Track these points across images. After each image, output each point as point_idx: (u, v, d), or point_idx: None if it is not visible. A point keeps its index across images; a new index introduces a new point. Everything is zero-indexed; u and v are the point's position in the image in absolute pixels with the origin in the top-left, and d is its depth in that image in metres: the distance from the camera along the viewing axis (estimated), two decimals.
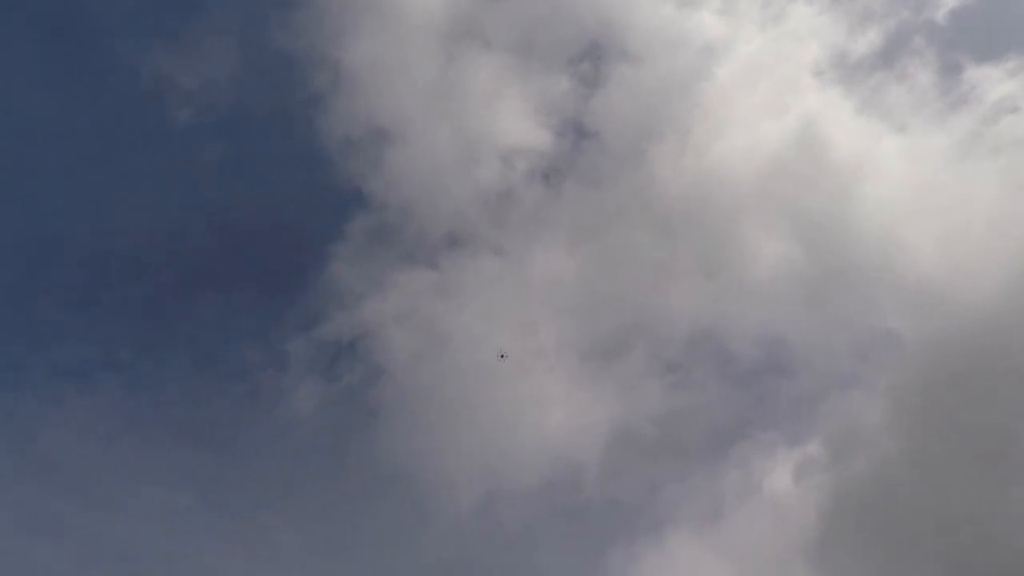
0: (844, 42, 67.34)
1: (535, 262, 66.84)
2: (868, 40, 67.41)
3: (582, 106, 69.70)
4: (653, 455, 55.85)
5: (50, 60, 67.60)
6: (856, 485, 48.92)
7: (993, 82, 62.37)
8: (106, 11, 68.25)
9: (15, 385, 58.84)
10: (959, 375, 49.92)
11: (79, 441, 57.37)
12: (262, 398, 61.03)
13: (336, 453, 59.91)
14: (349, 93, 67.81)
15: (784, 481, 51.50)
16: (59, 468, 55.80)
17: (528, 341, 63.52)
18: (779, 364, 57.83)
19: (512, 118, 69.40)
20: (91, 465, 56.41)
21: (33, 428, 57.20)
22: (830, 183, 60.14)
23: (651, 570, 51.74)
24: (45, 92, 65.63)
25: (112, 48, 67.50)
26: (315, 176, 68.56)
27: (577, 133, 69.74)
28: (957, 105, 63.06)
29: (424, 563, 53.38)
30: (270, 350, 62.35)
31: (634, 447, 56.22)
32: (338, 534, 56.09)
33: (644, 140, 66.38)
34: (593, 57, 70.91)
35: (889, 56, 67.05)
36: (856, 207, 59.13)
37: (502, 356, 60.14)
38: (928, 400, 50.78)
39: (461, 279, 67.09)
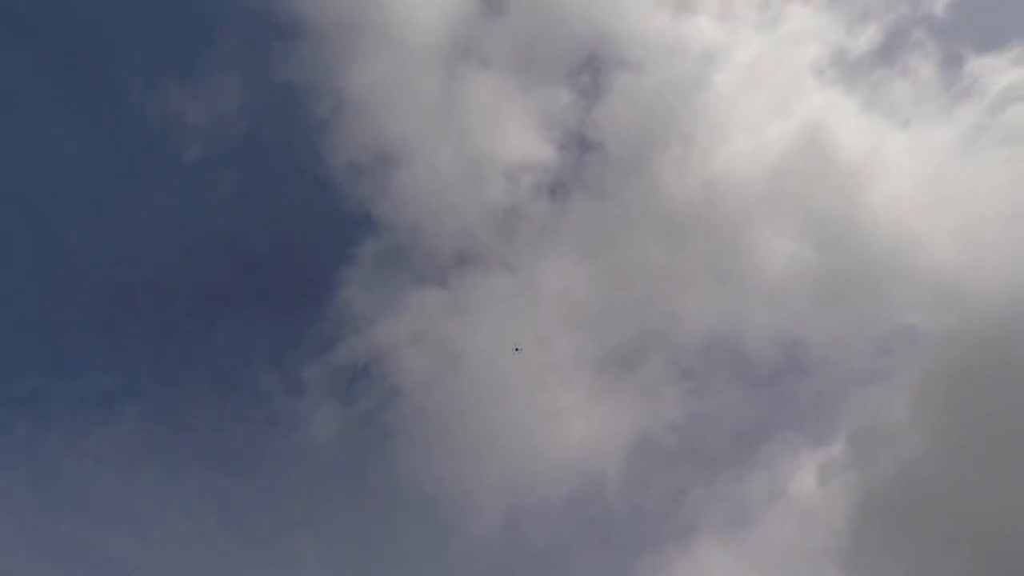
0: (843, 40, 68.37)
1: (546, 276, 67.86)
2: (868, 37, 68.37)
3: (584, 118, 71.02)
4: (675, 462, 56.41)
5: (65, 99, 68.91)
6: (882, 484, 48.85)
7: (997, 72, 63.06)
8: (115, 52, 70.46)
9: (39, 416, 60.49)
10: (981, 367, 49.86)
11: (102, 470, 58.65)
12: (281, 423, 62.26)
13: (356, 475, 60.63)
14: (353, 119, 69.44)
15: (809, 483, 51.75)
16: (83, 497, 56.95)
17: (543, 355, 64.24)
18: (798, 364, 58.34)
19: (515, 134, 70.78)
20: (114, 493, 57.70)
21: (57, 458, 58.57)
22: (838, 181, 60.94)
23: None
24: (59, 129, 67.34)
25: (122, 87, 69.42)
26: (324, 202, 69.92)
27: (580, 145, 70.99)
28: (961, 97, 63.89)
29: None
30: (287, 376, 63.44)
31: (656, 455, 56.79)
32: (361, 556, 56.59)
33: (648, 149, 67.60)
34: (592, 69, 72.23)
35: (890, 52, 68.00)
36: (865, 204, 59.82)
37: (517, 350, 61.18)
38: (951, 394, 50.74)
39: (472, 297, 68.05)
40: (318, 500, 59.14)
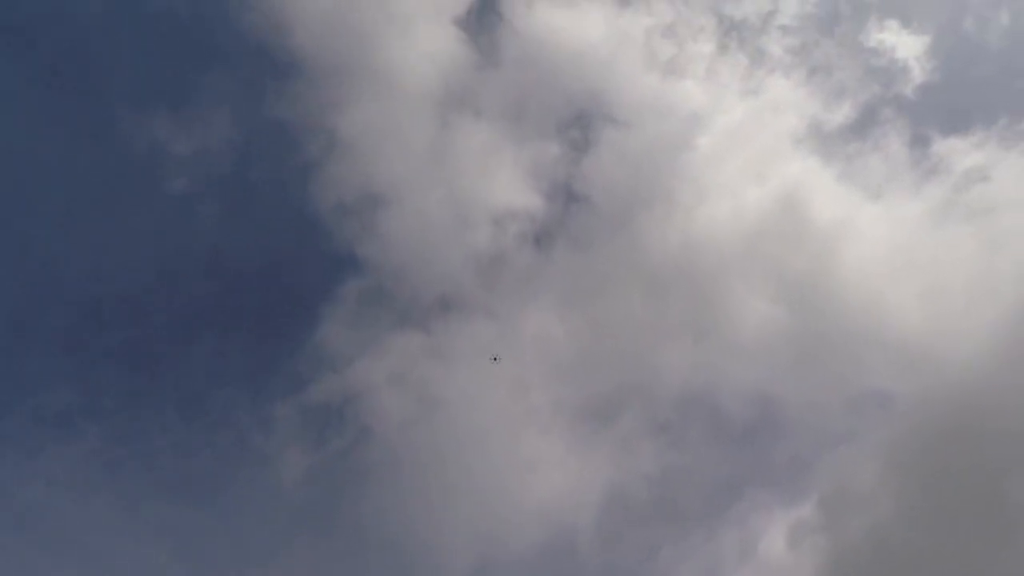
0: (820, 114, 73.53)
1: (526, 325, 69.56)
2: (843, 112, 73.72)
3: (572, 171, 74.45)
4: (649, 517, 57.21)
5: (50, 114, 69.13)
6: (852, 548, 50.54)
7: (960, 154, 68.21)
8: (107, 75, 71.45)
9: None
10: (947, 432, 52.41)
11: (54, 493, 56.91)
12: (249, 456, 61.46)
13: (323, 516, 60.36)
14: (344, 159, 71.75)
15: (779, 544, 52.94)
16: (31, 521, 55.43)
17: (520, 404, 65.58)
18: (771, 423, 60.43)
19: (504, 183, 73.84)
20: (65, 519, 56.26)
21: (10, 478, 56.85)
22: (812, 247, 64.64)
23: None
24: (37, 141, 67.20)
25: (110, 111, 70.17)
26: (309, 240, 71.11)
27: (567, 197, 74.12)
28: (929, 175, 68.61)
29: None
30: (258, 411, 63.22)
31: (629, 509, 57.74)
32: None
33: (632, 204, 71.06)
34: (582, 124, 76.21)
35: (863, 128, 73.04)
36: (838, 270, 63.28)
37: (495, 359, 62.80)
38: (919, 459, 53.10)
39: (453, 342, 69.22)
40: (282, 538, 58.64)
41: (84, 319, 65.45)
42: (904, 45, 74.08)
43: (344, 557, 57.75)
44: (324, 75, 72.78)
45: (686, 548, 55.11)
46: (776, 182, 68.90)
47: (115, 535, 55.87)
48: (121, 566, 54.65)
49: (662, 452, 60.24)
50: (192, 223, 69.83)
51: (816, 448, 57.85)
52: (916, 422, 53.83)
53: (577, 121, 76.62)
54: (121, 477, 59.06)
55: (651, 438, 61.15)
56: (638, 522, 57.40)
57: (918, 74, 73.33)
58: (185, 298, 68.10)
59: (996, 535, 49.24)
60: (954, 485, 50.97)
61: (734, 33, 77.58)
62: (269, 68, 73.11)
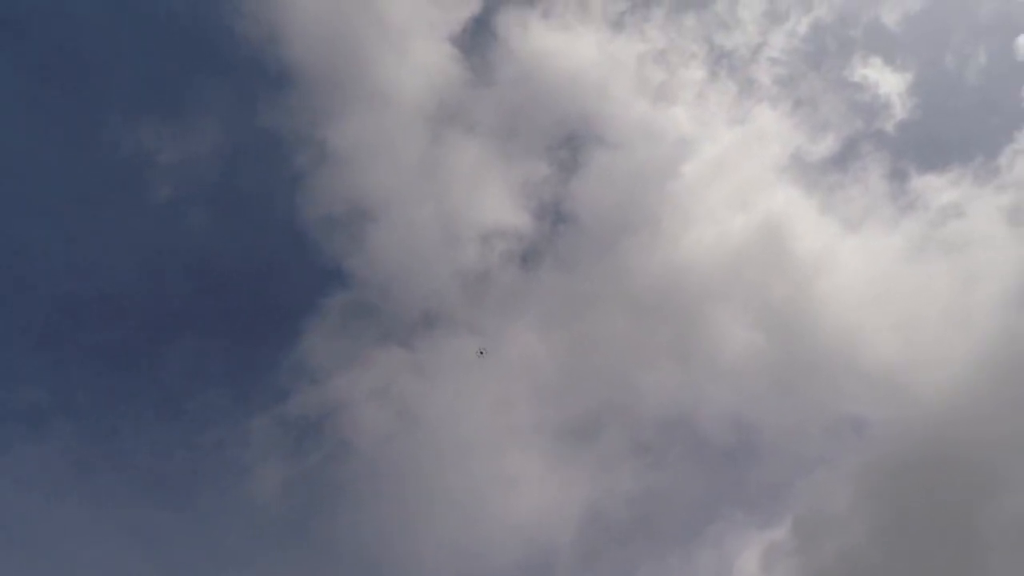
0: (804, 145, 76.57)
1: (510, 343, 71.02)
2: (826, 145, 76.74)
3: (560, 191, 76.77)
4: (627, 537, 59.06)
5: (34, 112, 69.51)
6: (824, 570, 53.02)
7: (937, 190, 71.49)
8: (95, 82, 72.22)
9: None
10: (921, 460, 54.84)
11: (22, 491, 56.48)
12: (226, 465, 61.68)
13: (300, 527, 61.21)
14: (333, 171, 73.20)
15: (753, 566, 55.16)
16: (1, 519, 54.84)
17: (502, 421, 66.93)
18: (748, 446, 62.72)
19: (492, 200, 75.79)
20: (33, 518, 55.84)
21: None
22: (792, 275, 67.24)
23: None
24: (23, 140, 67.30)
25: (96, 115, 71.01)
26: (295, 251, 72.76)
27: (555, 217, 76.38)
28: (907, 209, 71.79)
29: None
30: (237, 422, 63.80)
31: (608, 529, 59.51)
32: None
33: (619, 226, 73.36)
34: (571, 146, 78.58)
35: (844, 161, 76.30)
36: (817, 298, 65.95)
37: (481, 353, 64.67)
38: (891, 485, 55.47)
39: (435, 359, 70.62)
40: (258, 545, 59.30)
41: (59, 315, 65.49)
42: (887, 81, 77.70)
43: (320, 570, 58.90)
44: (316, 86, 74.67)
45: (663, 568, 57.34)
46: (759, 210, 72.04)
47: (86, 536, 56.03)
48: (91, 568, 54.76)
49: (642, 473, 62.38)
50: (177, 228, 70.81)
51: (791, 472, 60.30)
52: (889, 449, 56.42)
53: (567, 142, 79.30)
54: (94, 477, 59.11)
55: (631, 458, 63.32)
56: (617, 541, 59.36)
57: (899, 110, 77.01)
58: (165, 299, 68.92)
59: (965, 562, 52.10)
60: (925, 512, 53.54)
61: (724, 61, 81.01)
62: (261, 77, 74.83)
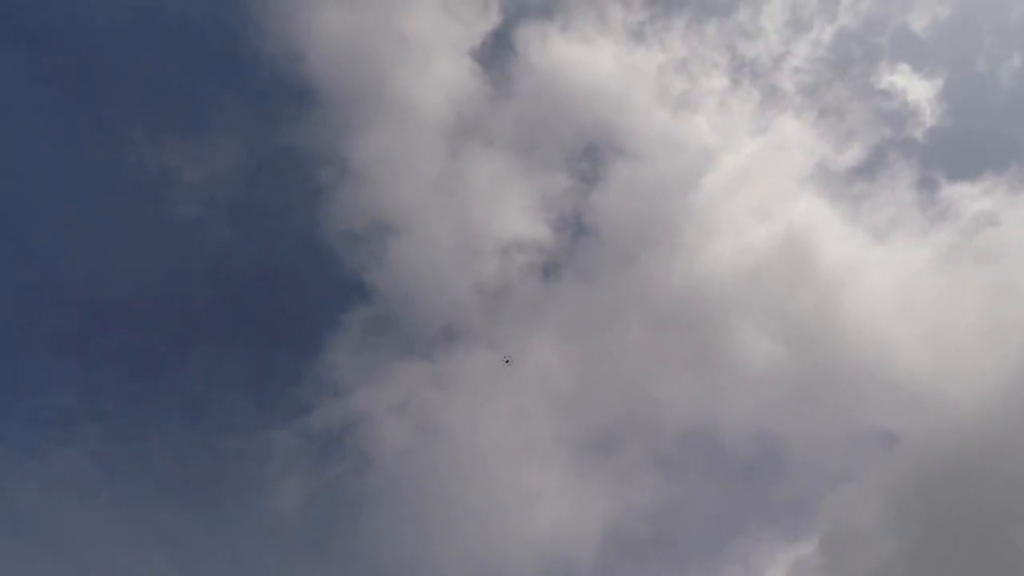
0: (829, 155, 77.33)
1: (531, 356, 72.18)
2: (852, 154, 77.37)
3: (580, 203, 78.43)
4: (648, 552, 59.68)
5: (63, 128, 73.38)
6: None
7: (969, 199, 71.47)
8: (121, 99, 75.98)
9: None
10: (950, 473, 54.30)
11: (52, 494, 59.19)
12: (247, 475, 64.12)
13: (320, 537, 62.96)
14: (354, 187, 75.83)
15: None
16: (28, 521, 57.82)
17: (522, 435, 68.06)
18: (773, 460, 63.11)
19: (512, 213, 77.64)
20: (62, 521, 58.45)
21: (8, 479, 59.15)
22: (816, 286, 67.64)
23: None
24: (52, 153, 71.32)
25: (122, 135, 74.03)
26: (317, 266, 75.38)
27: (575, 229, 77.97)
28: (937, 219, 71.88)
29: None
30: (258, 434, 66.36)
31: (629, 543, 59.99)
32: None
33: (640, 238, 74.50)
34: (592, 157, 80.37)
35: (871, 170, 76.61)
36: (842, 309, 66.05)
37: (507, 361, 65.82)
38: (922, 500, 55.01)
39: (456, 372, 72.09)
40: (279, 548, 61.20)
41: (86, 322, 68.94)
42: (915, 89, 78.27)
43: (343, 568, 60.56)
44: (337, 103, 77.37)
45: None
46: (783, 221, 72.49)
47: (112, 538, 58.39)
48: (118, 569, 57.04)
49: (662, 486, 63.04)
50: (200, 241, 73.70)
51: (818, 486, 60.35)
52: (919, 462, 55.85)
53: (587, 154, 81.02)
54: (120, 480, 61.99)
55: (652, 472, 63.95)
56: (637, 556, 59.98)
57: (928, 117, 77.35)
58: (188, 308, 71.92)
59: None
60: (957, 528, 52.92)
61: (747, 70, 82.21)
62: (283, 95, 78.01)
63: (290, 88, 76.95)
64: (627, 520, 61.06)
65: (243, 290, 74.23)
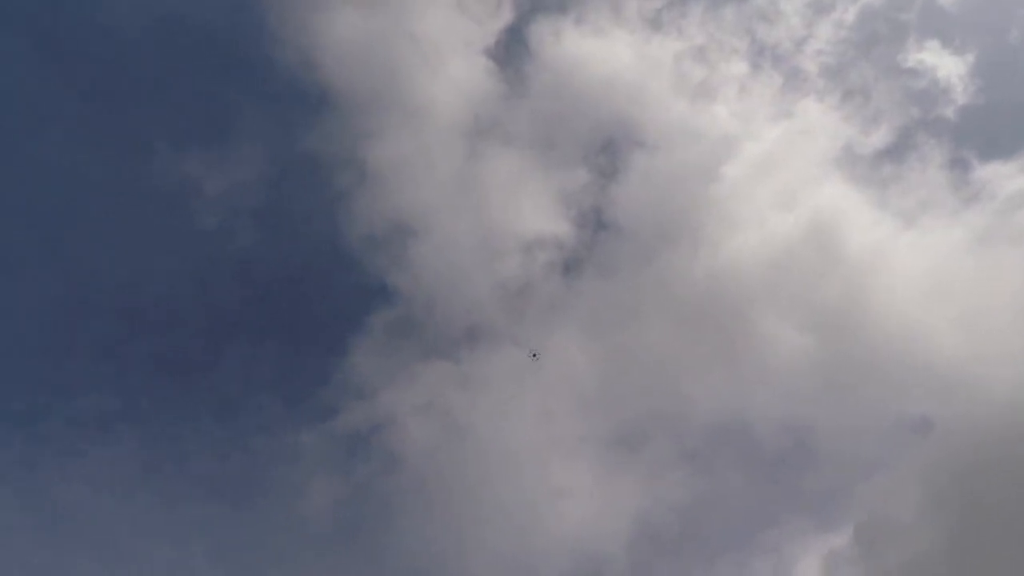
0: (855, 138, 77.10)
1: (555, 353, 73.17)
2: (879, 136, 77.08)
3: (600, 199, 79.29)
4: (679, 546, 60.40)
5: (91, 137, 76.09)
6: None
7: (1005, 178, 70.68)
8: (144, 110, 78.49)
9: (34, 435, 64.73)
10: (992, 460, 53.82)
11: (95, 493, 62.79)
12: (278, 470, 67.20)
13: (352, 535, 65.28)
14: (374, 190, 77.71)
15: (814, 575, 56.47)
16: (72, 520, 61.17)
17: (548, 432, 69.35)
18: (804, 451, 63.21)
19: (532, 210, 78.91)
20: (105, 518, 61.77)
21: (49, 479, 62.88)
22: (844, 274, 67.68)
23: None
24: (82, 162, 73.87)
25: (145, 147, 76.58)
26: (339, 270, 77.16)
27: (596, 225, 78.88)
28: (970, 200, 71.29)
29: None
30: (288, 433, 68.98)
31: (659, 539, 60.88)
32: None
33: (661, 231, 75.38)
34: (610, 151, 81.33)
35: (900, 152, 76.12)
36: (871, 296, 66.03)
37: (534, 356, 67.21)
38: (959, 487, 54.93)
39: (481, 371, 73.51)
40: (314, 542, 63.82)
41: (123, 327, 72.62)
42: (945, 65, 77.56)
43: (373, 568, 62.81)
44: (354, 108, 79.26)
45: None
46: (808, 209, 72.56)
47: (152, 536, 62.11)
48: (157, 566, 60.48)
49: (691, 480, 63.85)
50: (224, 248, 76.28)
51: (851, 476, 60.45)
52: (954, 449, 55.56)
53: (605, 148, 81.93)
54: (158, 479, 65.35)
55: (680, 467, 64.76)
56: (668, 551, 60.75)
57: (960, 95, 76.52)
58: (218, 310, 74.95)
59: None
60: (994, 516, 52.57)
61: (767, 54, 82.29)
62: (300, 103, 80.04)
63: (307, 95, 79.21)
64: (656, 515, 62.09)
65: (269, 294, 76.96)
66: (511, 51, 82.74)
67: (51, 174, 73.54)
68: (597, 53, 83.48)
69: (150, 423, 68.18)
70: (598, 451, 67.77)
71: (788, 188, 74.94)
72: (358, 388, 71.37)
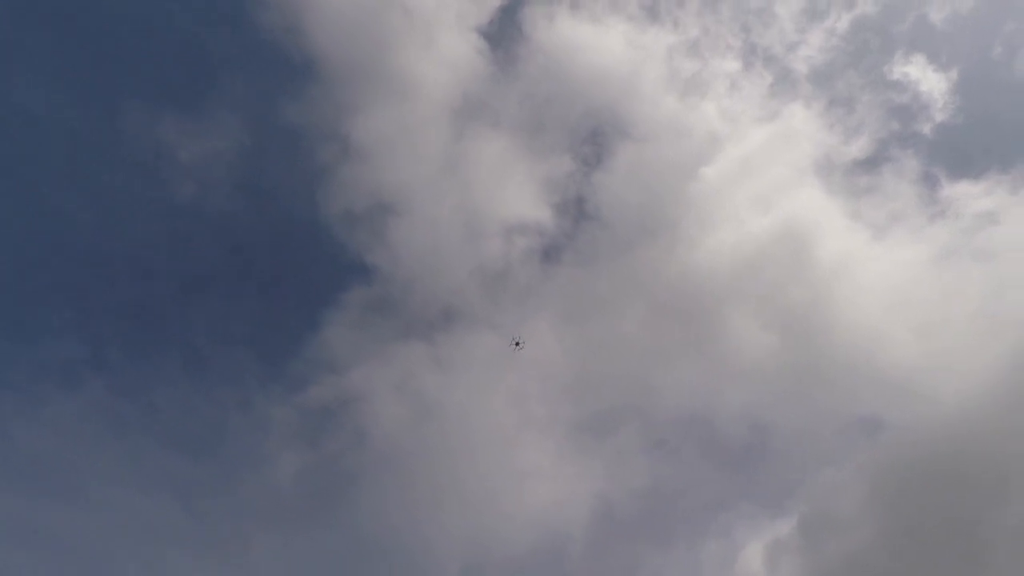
0: (835, 146, 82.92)
1: (529, 339, 76.74)
2: (858, 146, 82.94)
3: (583, 188, 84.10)
4: (637, 527, 66.92)
5: (60, 87, 76.62)
6: (827, 570, 60.80)
7: (973, 197, 76.88)
8: (117, 69, 79.22)
9: None
10: (934, 463, 60.23)
11: (59, 440, 65.21)
12: (247, 427, 71.23)
13: (316, 510, 70.10)
14: (357, 166, 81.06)
15: (756, 563, 62.66)
16: (36, 466, 63.79)
17: (518, 415, 74.80)
18: (762, 446, 70.00)
19: (515, 195, 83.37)
20: (70, 464, 64.62)
21: (12, 425, 65.13)
22: (812, 278, 73.80)
23: None
24: (55, 109, 74.88)
25: (118, 107, 78.01)
26: (318, 244, 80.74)
27: (577, 213, 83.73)
28: (936, 217, 77.45)
29: None
30: (256, 403, 72.96)
31: (618, 521, 67.21)
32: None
33: (641, 224, 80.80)
34: (596, 141, 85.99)
35: (876, 164, 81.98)
36: (837, 302, 72.26)
37: (517, 343, 71.55)
38: (904, 488, 60.76)
39: (454, 353, 78.54)
40: (279, 496, 68.60)
41: (91, 274, 74.71)
42: (928, 80, 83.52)
43: (336, 551, 67.36)
44: (340, 79, 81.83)
45: (670, 558, 65.20)
46: (783, 213, 78.51)
47: (117, 484, 65.42)
48: (122, 513, 63.96)
49: (653, 468, 70.14)
50: (203, 203, 79.02)
51: (801, 470, 67.30)
52: (903, 452, 61.47)
53: (592, 137, 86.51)
54: (124, 427, 68.37)
55: (644, 454, 70.95)
56: (626, 532, 67.26)
57: (938, 112, 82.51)
58: (191, 262, 78.05)
59: (970, 568, 58.76)
60: (934, 517, 59.15)
61: (759, 53, 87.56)
62: (283, 70, 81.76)
63: (291, 62, 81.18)
64: (617, 498, 68.38)
65: (245, 257, 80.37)
66: (504, 31, 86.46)
67: (19, 120, 74.94)
68: (591, 40, 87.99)
69: (117, 372, 70.99)
70: (566, 436, 73.63)
71: (766, 192, 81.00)
72: (330, 363, 75.87)
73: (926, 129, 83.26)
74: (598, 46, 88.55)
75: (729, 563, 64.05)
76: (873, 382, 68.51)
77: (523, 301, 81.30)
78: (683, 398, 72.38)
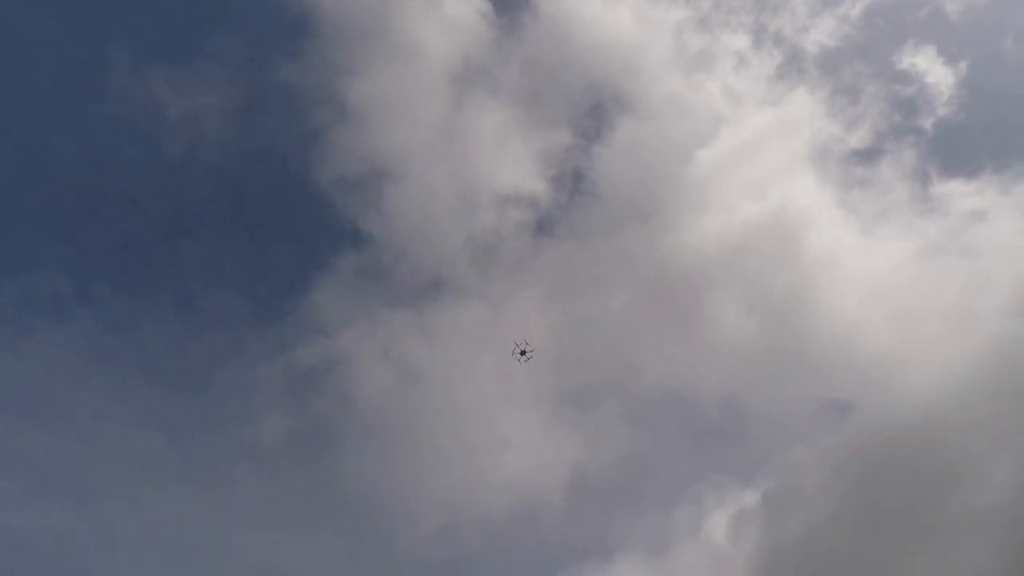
0: (835, 135, 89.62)
1: (516, 310, 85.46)
2: (859, 137, 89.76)
3: (581, 161, 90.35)
4: (611, 495, 75.73)
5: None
6: (786, 543, 69.66)
7: (966, 195, 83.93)
8: (104, 23, 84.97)
9: None
10: (899, 448, 67.42)
11: (45, 374, 69.70)
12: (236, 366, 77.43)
13: (300, 459, 77.89)
14: (352, 129, 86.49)
15: (721, 531, 71.65)
16: (22, 400, 68.23)
17: (501, 386, 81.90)
18: (736, 424, 78.95)
19: (511, 166, 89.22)
20: (56, 400, 69.18)
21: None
22: (798, 267, 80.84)
23: None
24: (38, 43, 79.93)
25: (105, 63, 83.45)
26: (310, 209, 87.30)
27: (573, 188, 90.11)
28: (925, 214, 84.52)
29: None
30: (247, 357, 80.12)
31: (594, 489, 76.04)
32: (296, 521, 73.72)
33: (635, 203, 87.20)
34: (597, 115, 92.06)
35: (873, 156, 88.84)
36: (819, 291, 79.50)
37: (523, 353, 78.21)
38: (867, 469, 67.50)
39: (441, 321, 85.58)
40: (261, 447, 75.01)
41: (79, 207, 79.58)
42: (935, 72, 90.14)
43: (320, 510, 76.04)
44: (337, 38, 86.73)
45: (639, 525, 74.48)
46: (776, 200, 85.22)
47: (104, 419, 70.43)
48: (108, 447, 69.03)
49: (630, 440, 78.47)
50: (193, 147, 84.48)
51: (771, 448, 75.51)
52: (868, 434, 68.98)
53: (593, 111, 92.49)
54: (112, 362, 73.32)
55: (621, 427, 79.09)
56: (601, 500, 76.20)
57: (941, 107, 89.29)
58: (184, 202, 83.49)
59: (922, 548, 67.49)
60: (891, 498, 66.09)
61: (769, 35, 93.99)
62: (278, 26, 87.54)
63: (286, 18, 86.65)
64: (594, 467, 76.69)
65: (237, 202, 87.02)
66: None
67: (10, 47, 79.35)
68: (597, 11, 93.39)
69: (105, 307, 75.93)
70: (547, 407, 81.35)
71: (761, 178, 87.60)
72: (319, 325, 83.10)
73: (927, 124, 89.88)
74: (605, 17, 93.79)
75: (695, 530, 73.09)
76: (848, 368, 75.89)
77: (512, 274, 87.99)
78: (664, 375, 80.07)
